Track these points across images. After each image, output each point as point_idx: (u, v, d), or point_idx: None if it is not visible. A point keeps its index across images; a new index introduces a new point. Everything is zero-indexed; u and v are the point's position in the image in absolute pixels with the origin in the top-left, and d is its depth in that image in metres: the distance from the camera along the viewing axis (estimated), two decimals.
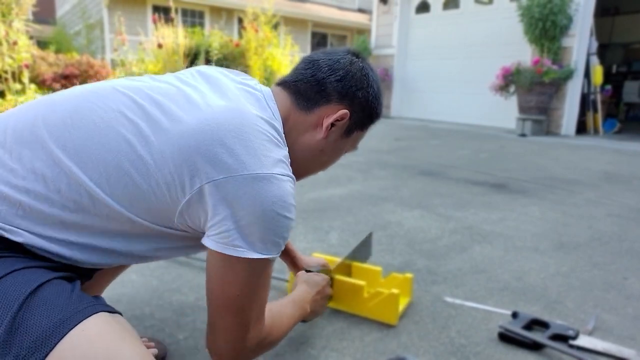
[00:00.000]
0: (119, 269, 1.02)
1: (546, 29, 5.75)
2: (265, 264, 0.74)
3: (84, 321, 0.54)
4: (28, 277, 0.59)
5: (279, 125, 0.78)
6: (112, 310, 0.60)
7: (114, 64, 8.09)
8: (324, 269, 1.25)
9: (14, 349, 0.50)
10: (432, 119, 7.97)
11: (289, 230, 0.74)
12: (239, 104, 0.74)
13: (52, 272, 0.63)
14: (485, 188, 2.95)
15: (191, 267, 1.58)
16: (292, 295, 1.02)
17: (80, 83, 5.01)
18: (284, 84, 0.87)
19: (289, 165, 0.76)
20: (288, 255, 1.29)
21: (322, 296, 1.12)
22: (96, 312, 0.56)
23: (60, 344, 0.51)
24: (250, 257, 0.70)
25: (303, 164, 0.87)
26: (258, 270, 0.73)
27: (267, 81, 10.18)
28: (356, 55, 0.89)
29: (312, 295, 1.07)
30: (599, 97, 6.26)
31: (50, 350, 0.50)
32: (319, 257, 1.53)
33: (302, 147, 0.86)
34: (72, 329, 0.52)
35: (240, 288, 0.73)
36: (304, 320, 1.07)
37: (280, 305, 0.94)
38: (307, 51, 15.11)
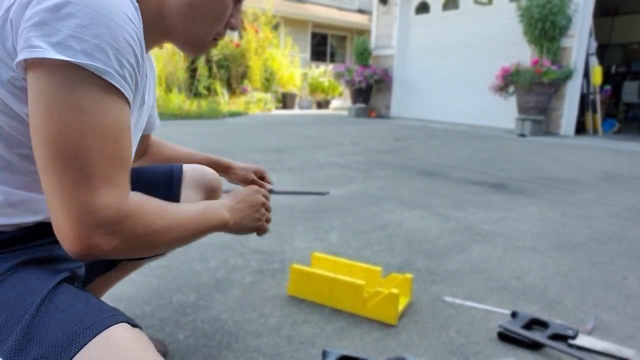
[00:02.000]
0: (120, 273, 1.00)
1: (545, 29, 5.76)
2: (92, 82, 0.52)
3: (107, 330, 0.53)
4: (35, 282, 0.57)
5: None
6: (132, 323, 0.58)
7: None
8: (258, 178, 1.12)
9: (30, 355, 0.49)
10: (432, 119, 7.98)
11: (128, 47, 0.55)
12: None
13: (55, 275, 0.61)
14: (485, 188, 2.96)
15: (191, 267, 1.58)
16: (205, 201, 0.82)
17: None
18: None
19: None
20: (221, 164, 1.14)
21: (250, 204, 0.85)
22: (118, 322, 0.55)
23: (83, 350, 0.50)
24: (51, 57, 0.50)
25: (178, 24, 0.71)
26: (80, 92, 0.51)
27: (267, 82, 10.19)
28: None
29: (232, 202, 0.82)
30: (598, 97, 6.27)
31: (73, 356, 0.50)
32: (320, 259, 1.53)
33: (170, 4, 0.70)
34: (94, 337, 0.51)
35: (57, 119, 0.51)
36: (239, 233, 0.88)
37: (177, 204, 0.72)
38: (307, 52, 15.11)
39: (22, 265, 0.60)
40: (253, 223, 0.86)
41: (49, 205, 0.53)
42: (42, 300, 0.55)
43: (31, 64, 0.52)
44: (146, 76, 0.70)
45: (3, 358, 0.49)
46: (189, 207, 0.72)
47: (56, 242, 0.56)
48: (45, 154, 0.52)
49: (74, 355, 0.49)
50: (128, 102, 0.57)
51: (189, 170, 0.95)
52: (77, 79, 0.51)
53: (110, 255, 0.56)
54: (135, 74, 0.58)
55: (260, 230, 0.89)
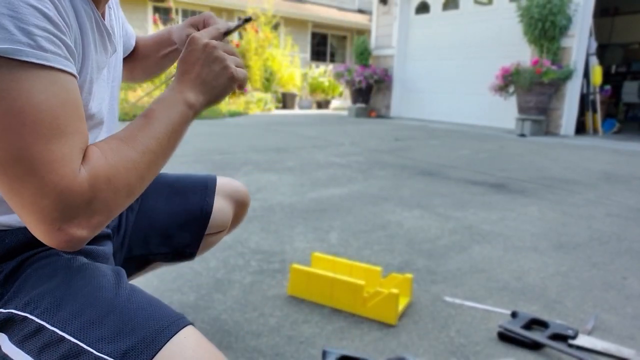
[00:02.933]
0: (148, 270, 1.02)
1: (545, 29, 5.76)
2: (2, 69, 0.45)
3: (183, 329, 0.55)
4: (105, 279, 0.59)
5: None
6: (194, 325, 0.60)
7: None
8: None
9: (122, 345, 0.52)
10: (432, 119, 7.98)
11: (31, 9, 0.46)
12: None
13: (118, 270, 0.63)
14: (485, 188, 2.96)
15: (191, 267, 1.58)
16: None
17: None
18: None
19: None
20: (162, 38, 0.95)
21: (203, 63, 0.66)
22: (188, 324, 0.57)
23: (166, 346, 0.52)
24: None
25: None
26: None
27: (267, 82, 10.19)
28: None
29: (181, 77, 0.65)
30: (598, 97, 6.27)
31: (158, 351, 0.52)
32: (321, 257, 1.53)
33: None
34: (174, 334, 0.54)
35: None
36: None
37: (127, 130, 0.60)
38: (307, 52, 15.12)
39: (78, 264, 0.62)
40: (221, 80, 0.67)
41: (11, 205, 0.50)
42: (127, 296, 0.57)
43: None
44: (95, 24, 0.62)
45: (92, 348, 0.51)
46: (142, 126, 0.59)
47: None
48: None
49: (159, 350, 0.51)
50: (62, 71, 0.50)
51: (223, 182, 0.98)
52: None
53: (98, 229, 0.53)
54: (57, 35, 0.49)
55: (235, 81, 0.68)
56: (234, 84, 0.68)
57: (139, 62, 0.98)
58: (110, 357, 0.51)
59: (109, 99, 0.73)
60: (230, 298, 1.37)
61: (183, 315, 0.58)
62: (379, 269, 1.44)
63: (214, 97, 0.67)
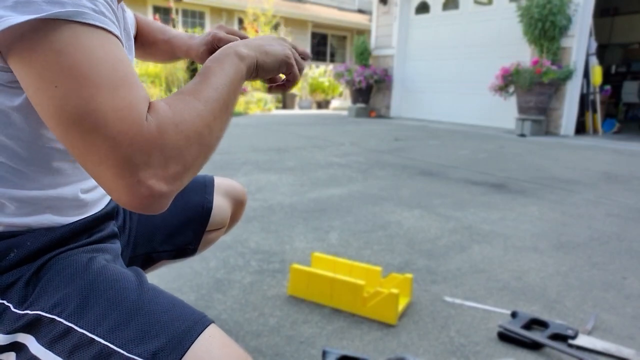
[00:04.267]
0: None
1: (545, 29, 5.76)
2: (69, 29, 0.47)
3: (208, 328, 0.56)
4: (127, 280, 0.61)
5: None
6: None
7: None
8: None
9: (150, 346, 0.53)
10: (432, 119, 7.98)
11: None
12: None
13: (137, 269, 0.65)
14: (485, 188, 2.96)
15: (191, 267, 1.58)
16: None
17: None
18: None
19: None
20: (169, 44, 0.96)
21: (269, 40, 0.71)
22: (211, 323, 0.58)
23: (193, 346, 0.54)
24: (17, 22, 0.45)
25: None
26: (59, 42, 0.47)
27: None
28: None
29: (246, 42, 0.68)
30: (598, 97, 6.27)
31: (187, 350, 0.53)
32: (321, 257, 1.53)
33: None
34: (200, 334, 0.55)
35: (49, 76, 0.47)
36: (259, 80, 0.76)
37: (189, 82, 0.61)
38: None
39: (99, 266, 0.63)
40: (277, 48, 0.70)
41: (87, 170, 0.50)
42: (151, 297, 0.59)
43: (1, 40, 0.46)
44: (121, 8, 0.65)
45: (122, 349, 0.53)
46: (200, 81, 0.60)
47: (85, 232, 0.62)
48: (54, 115, 0.48)
49: (187, 349, 0.53)
50: (116, 36, 0.52)
51: (220, 181, 1.01)
52: (48, 31, 0.46)
53: (177, 183, 0.52)
54: (110, 5, 0.53)
55: (290, 58, 0.72)
56: (289, 62, 0.71)
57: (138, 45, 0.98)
58: (141, 357, 0.52)
59: None
60: (230, 298, 1.37)
61: (204, 314, 0.59)
62: (379, 269, 1.44)
63: (265, 59, 0.68)
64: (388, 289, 1.26)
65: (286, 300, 1.37)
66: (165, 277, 1.49)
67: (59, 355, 0.54)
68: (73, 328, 0.54)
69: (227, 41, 0.82)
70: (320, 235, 1.96)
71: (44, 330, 0.56)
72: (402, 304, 1.31)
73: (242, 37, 0.84)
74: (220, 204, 0.99)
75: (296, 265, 1.40)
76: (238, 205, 1.05)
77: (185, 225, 0.94)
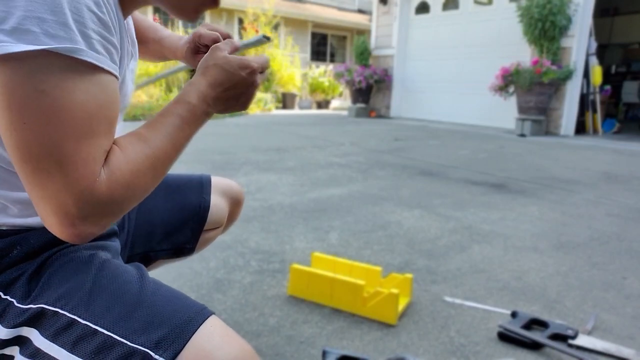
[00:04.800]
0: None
1: (545, 29, 5.76)
2: (57, 63, 0.48)
3: (208, 319, 0.57)
4: (129, 274, 0.62)
5: None
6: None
7: None
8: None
9: (154, 336, 0.54)
10: (432, 119, 7.98)
11: (90, 14, 0.50)
12: None
13: (138, 265, 0.66)
14: (485, 188, 2.96)
15: (191, 267, 1.58)
16: (177, 97, 0.67)
17: None
18: None
19: None
20: (159, 44, 0.94)
21: (237, 93, 0.68)
22: (212, 314, 0.59)
23: (194, 336, 0.55)
24: (12, 51, 0.45)
25: None
26: (41, 75, 0.47)
27: (267, 82, 10.19)
28: None
29: (212, 90, 0.66)
30: (598, 97, 6.27)
31: (188, 340, 0.54)
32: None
33: None
34: (201, 324, 0.56)
35: (19, 108, 0.47)
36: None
37: (150, 122, 0.62)
38: (307, 52, 15.12)
39: (101, 260, 0.64)
40: (242, 100, 0.70)
41: (30, 196, 0.52)
42: (152, 290, 0.60)
43: None
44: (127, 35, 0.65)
45: (126, 339, 0.54)
46: (162, 118, 0.62)
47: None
48: (15, 146, 0.49)
49: (189, 339, 0.54)
50: (108, 72, 0.53)
51: (217, 180, 1.01)
52: (41, 63, 0.47)
53: (107, 227, 0.56)
54: (107, 39, 0.53)
55: (250, 102, 0.72)
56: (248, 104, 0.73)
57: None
58: (144, 347, 0.53)
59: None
60: (230, 298, 1.37)
61: (205, 306, 0.60)
62: (379, 269, 1.44)
63: (228, 111, 0.71)
64: (388, 289, 1.26)
65: (286, 300, 1.37)
66: (165, 277, 1.49)
67: (62, 347, 0.55)
68: (77, 320, 0.55)
69: (209, 37, 0.82)
70: (320, 235, 1.96)
71: (48, 323, 0.56)
72: (402, 304, 1.31)
73: (225, 36, 0.83)
74: (217, 203, 0.99)
75: (296, 265, 1.40)
76: (235, 204, 1.06)
77: (182, 225, 0.95)
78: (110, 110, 0.54)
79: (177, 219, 0.94)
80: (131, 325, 0.55)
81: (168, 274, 1.51)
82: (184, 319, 0.56)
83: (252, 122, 7.03)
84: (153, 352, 0.53)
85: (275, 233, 1.96)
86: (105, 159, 0.54)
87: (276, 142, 4.84)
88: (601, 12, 8.32)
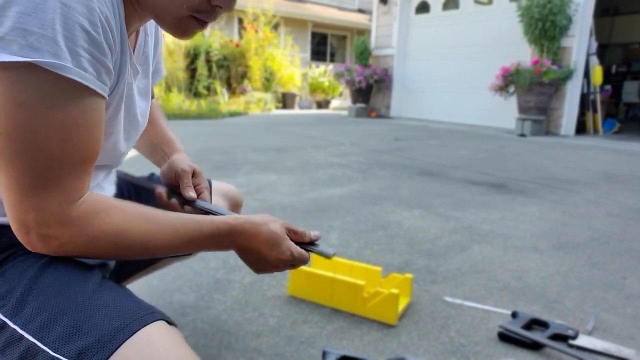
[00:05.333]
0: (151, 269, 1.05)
1: (546, 29, 5.75)
2: (41, 78, 0.48)
3: (147, 327, 0.54)
4: (74, 276, 0.59)
5: None
6: (169, 321, 0.59)
7: None
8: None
9: (76, 345, 0.51)
10: (432, 119, 7.98)
11: (81, 32, 0.49)
12: None
13: (91, 269, 0.62)
14: (485, 188, 2.96)
15: (191, 267, 1.58)
16: (210, 218, 0.66)
17: None
18: None
19: None
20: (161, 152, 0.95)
21: (267, 263, 0.70)
22: (156, 320, 0.55)
23: (124, 345, 0.51)
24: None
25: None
26: (22, 87, 0.47)
27: (267, 82, 10.19)
28: None
29: (244, 247, 0.68)
30: (598, 97, 6.26)
31: (114, 351, 0.51)
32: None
33: None
34: (135, 332, 0.52)
35: (5, 119, 0.48)
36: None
37: (166, 213, 0.63)
38: (307, 51, 15.11)
39: (52, 260, 0.61)
40: (252, 267, 0.72)
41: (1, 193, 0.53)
42: (90, 294, 0.56)
43: None
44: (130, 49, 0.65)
45: (48, 347, 0.51)
46: (181, 220, 0.63)
47: None
48: None
49: (115, 349, 0.50)
50: (94, 92, 0.52)
51: (217, 183, 1.03)
52: (22, 75, 0.47)
53: (63, 254, 0.57)
54: (99, 59, 0.52)
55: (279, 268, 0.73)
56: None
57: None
58: (65, 357, 0.50)
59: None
60: (230, 298, 1.37)
61: (153, 310, 0.57)
62: (379, 269, 1.44)
63: (245, 260, 0.71)
64: (388, 289, 1.26)
65: (286, 300, 1.37)
66: (165, 277, 1.49)
67: None
68: (7, 323, 0.54)
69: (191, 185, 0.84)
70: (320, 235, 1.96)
71: None
72: (402, 304, 1.31)
73: (200, 191, 0.84)
74: (219, 204, 0.99)
75: None
76: (235, 206, 1.06)
77: None
78: (90, 132, 0.54)
79: None
80: (57, 332, 0.52)
81: (168, 274, 1.51)
82: (115, 326, 0.52)
83: (252, 122, 7.03)
84: None
85: None
86: (103, 205, 0.56)
87: (276, 142, 4.84)
88: (601, 12, 8.31)
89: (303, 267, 1.39)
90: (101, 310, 0.54)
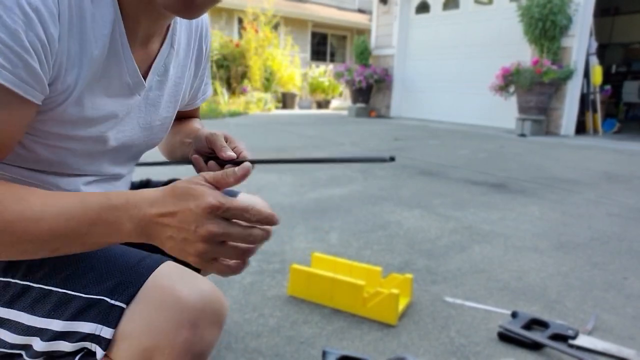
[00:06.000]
0: None
1: (546, 29, 5.75)
2: None
3: (166, 263, 0.58)
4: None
5: None
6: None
7: None
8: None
9: (104, 286, 0.56)
10: (432, 119, 7.98)
11: (7, 32, 0.46)
12: None
13: None
14: (485, 188, 2.96)
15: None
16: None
17: None
18: None
19: None
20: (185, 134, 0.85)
21: (183, 223, 0.49)
22: (168, 260, 0.59)
23: (153, 275, 0.55)
24: None
25: None
26: None
27: (267, 81, 10.20)
28: None
29: (154, 210, 0.50)
30: (598, 97, 6.26)
31: (145, 281, 0.55)
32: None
33: None
34: (158, 266, 0.57)
35: None
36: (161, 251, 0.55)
37: (43, 191, 0.52)
38: (307, 51, 15.11)
39: None
40: (182, 254, 0.52)
41: None
42: (101, 250, 0.60)
43: None
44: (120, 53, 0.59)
45: (80, 292, 0.56)
46: (65, 198, 0.52)
47: None
48: None
49: (146, 279, 0.55)
50: (17, 95, 0.49)
51: (244, 197, 0.97)
52: None
53: None
54: (21, 55, 0.48)
55: (205, 269, 0.54)
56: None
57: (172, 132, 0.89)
58: (99, 295, 0.55)
59: (133, 137, 0.69)
60: (230, 298, 1.37)
61: (162, 255, 0.60)
62: (379, 269, 1.44)
63: (165, 247, 0.53)
64: (388, 289, 1.26)
65: (286, 300, 1.37)
66: None
67: (22, 310, 0.57)
68: (30, 285, 0.57)
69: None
70: (320, 236, 1.96)
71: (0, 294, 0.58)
72: (402, 304, 1.31)
73: (239, 152, 0.72)
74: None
75: (296, 266, 1.40)
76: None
77: None
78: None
79: None
80: (83, 281, 0.56)
81: None
82: (138, 264, 0.56)
83: (252, 122, 7.03)
84: (109, 298, 0.54)
85: (275, 233, 1.96)
86: None
87: (276, 142, 4.84)
88: (602, 12, 8.31)
89: (303, 268, 1.39)
90: (118, 259, 0.58)
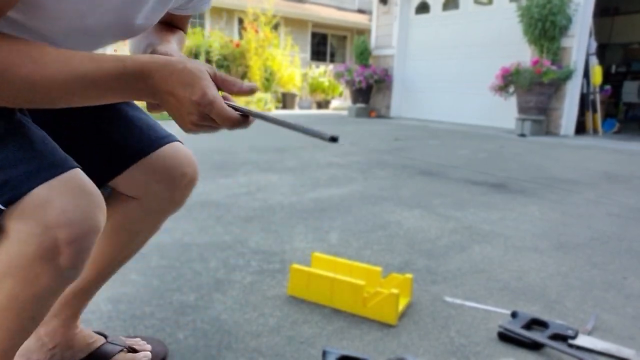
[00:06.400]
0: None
1: (545, 29, 5.76)
2: None
3: (64, 174, 0.58)
4: None
5: None
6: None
7: None
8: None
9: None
10: (432, 119, 7.98)
11: None
12: None
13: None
14: (485, 188, 2.96)
15: (191, 267, 1.58)
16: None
17: None
18: None
19: None
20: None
21: (181, 103, 0.60)
22: (71, 169, 0.59)
23: (35, 190, 0.55)
24: None
25: None
26: None
27: (267, 82, 10.20)
28: None
29: (169, 85, 0.59)
30: (598, 97, 6.27)
31: (24, 194, 0.55)
32: (320, 255, 1.53)
33: None
34: (50, 179, 0.56)
35: None
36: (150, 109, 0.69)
37: (60, 50, 0.55)
38: (307, 52, 15.12)
39: None
40: (178, 121, 0.65)
41: None
42: (9, 135, 0.59)
43: None
44: None
45: None
46: (78, 56, 0.55)
47: None
48: None
49: (26, 192, 0.55)
50: None
51: (167, 154, 0.88)
52: None
53: None
54: None
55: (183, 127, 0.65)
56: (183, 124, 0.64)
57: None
58: None
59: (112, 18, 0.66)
60: (230, 298, 1.37)
61: (67, 160, 0.59)
62: (379, 269, 1.44)
63: (164, 109, 0.64)
64: (388, 289, 1.26)
65: (286, 300, 1.37)
66: (165, 277, 1.49)
67: None
68: None
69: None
70: (320, 235, 1.96)
71: None
72: (402, 304, 1.31)
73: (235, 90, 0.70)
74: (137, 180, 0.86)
75: (296, 266, 1.40)
76: (175, 186, 0.88)
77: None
78: None
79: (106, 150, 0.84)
80: None
81: (168, 274, 1.51)
82: (29, 170, 0.55)
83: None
84: None
85: (275, 233, 1.96)
86: None
87: (276, 142, 4.84)
88: (601, 12, 8.31)
89: (303, 267, 1.39)
90: (19, 152, 0.57)
